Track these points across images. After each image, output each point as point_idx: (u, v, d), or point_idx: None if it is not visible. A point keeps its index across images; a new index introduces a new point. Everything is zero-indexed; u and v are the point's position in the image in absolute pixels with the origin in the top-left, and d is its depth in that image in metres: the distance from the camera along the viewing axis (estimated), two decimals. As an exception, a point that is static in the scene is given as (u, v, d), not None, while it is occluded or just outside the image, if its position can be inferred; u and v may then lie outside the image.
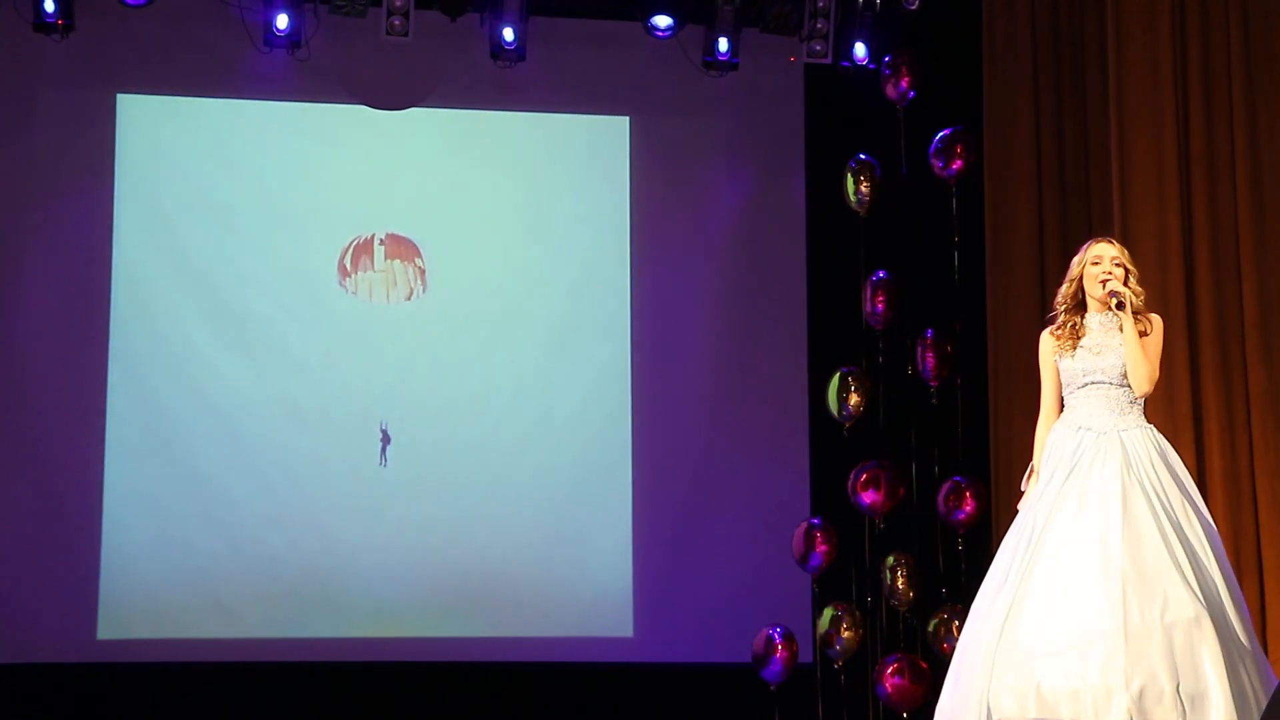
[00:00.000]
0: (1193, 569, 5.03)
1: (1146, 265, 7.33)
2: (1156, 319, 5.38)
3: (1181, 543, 5.07)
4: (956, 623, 7.82)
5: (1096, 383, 5.32)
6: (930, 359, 8.39)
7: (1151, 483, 5.17)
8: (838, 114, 9.12)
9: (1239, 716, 4.82)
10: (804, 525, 8.37)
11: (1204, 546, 5.13)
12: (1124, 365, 5.28)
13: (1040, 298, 8.00)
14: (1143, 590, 4.94)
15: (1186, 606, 4.92)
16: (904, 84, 8.63)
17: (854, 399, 8.37)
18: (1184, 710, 4.81)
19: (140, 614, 8.47)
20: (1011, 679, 4.93)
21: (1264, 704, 4.94)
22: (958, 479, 8.27)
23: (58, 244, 8.60)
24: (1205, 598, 4.98)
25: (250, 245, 8.81)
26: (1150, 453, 5.24)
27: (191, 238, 8.75)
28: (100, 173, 8.68)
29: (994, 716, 4.93)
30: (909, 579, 8.22)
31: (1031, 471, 5.42)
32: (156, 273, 8.72)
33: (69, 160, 8.66)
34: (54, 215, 8.60)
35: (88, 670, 8.36)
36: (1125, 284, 5.32)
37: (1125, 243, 7.29)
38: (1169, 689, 4.81)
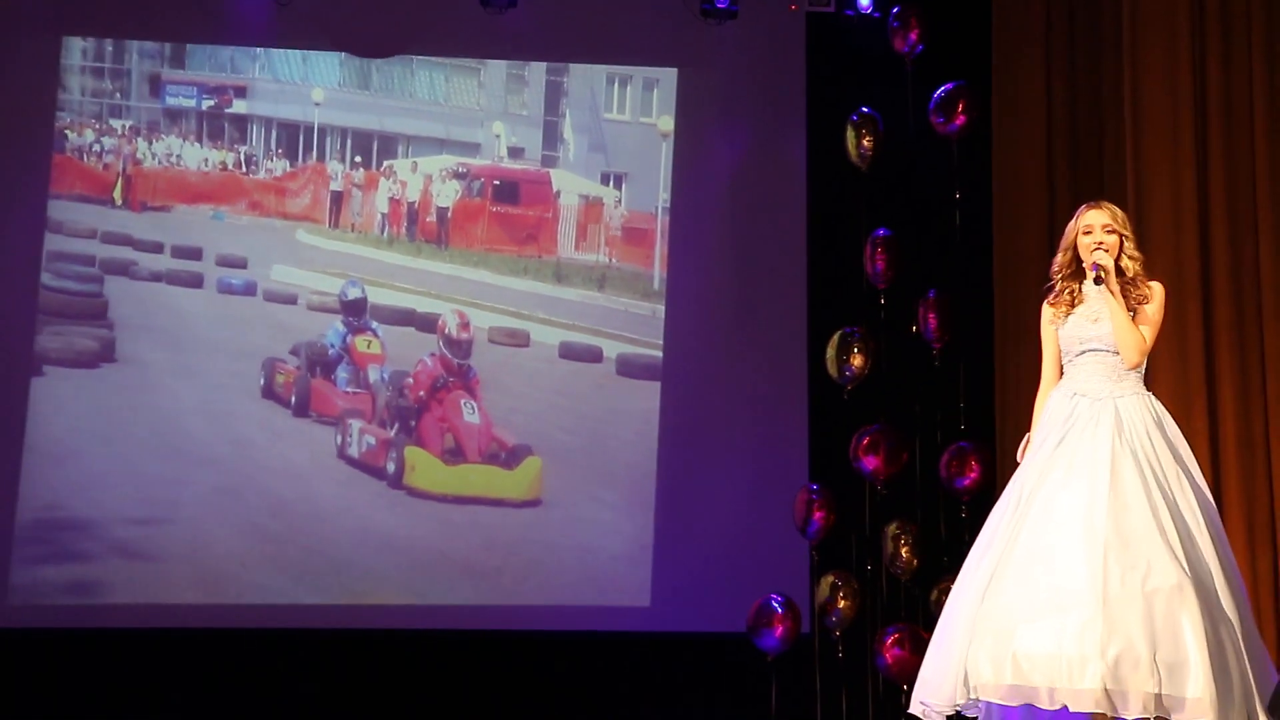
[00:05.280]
0: (1180, 538, 4.96)
1: (1160, 223, 7.24)
2: (1157, 287, 5.34)
3: (1171, 511, 5.01)
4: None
5: (1094, 350, 5.29)
6: (932, 320, 8.20)
7: (1144, 450, 5.12)
8: (840, 65, 8.91)
9: (1218, 687, 4.74)
10: (803, 492, 8.21)
11: (1196, 516, 5.06)
12: None
13: (1050, 257, 7.80)
14: (1125, 557, 4.88)
15: (1169, 574, 4.85)
16: (913, 36, 8.41)
17: (856, 360, 8.22)
18: (1160, 678, 4.74)
19: (54, 578, 8.29)
20: (989, 645, 4.89)
21: (1249, 677, 4.86)
22: (962, 444, 8.10)
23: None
24: (1191, 567, 4.91)
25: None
26: (1145, 420, 5.19)
27: (153, 179, 8.70)
28: (46, 114, 8.57)
29: (971, 683, 4.90)
30: (911, 547, 8.09)
31: (1028, 439, 5.37)
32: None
33: (14, 102, 8.52)
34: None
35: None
36: (1121, 250, 5.29)
37: (1138, 200, 7.25)
38: (1146, 656, 4.75)
